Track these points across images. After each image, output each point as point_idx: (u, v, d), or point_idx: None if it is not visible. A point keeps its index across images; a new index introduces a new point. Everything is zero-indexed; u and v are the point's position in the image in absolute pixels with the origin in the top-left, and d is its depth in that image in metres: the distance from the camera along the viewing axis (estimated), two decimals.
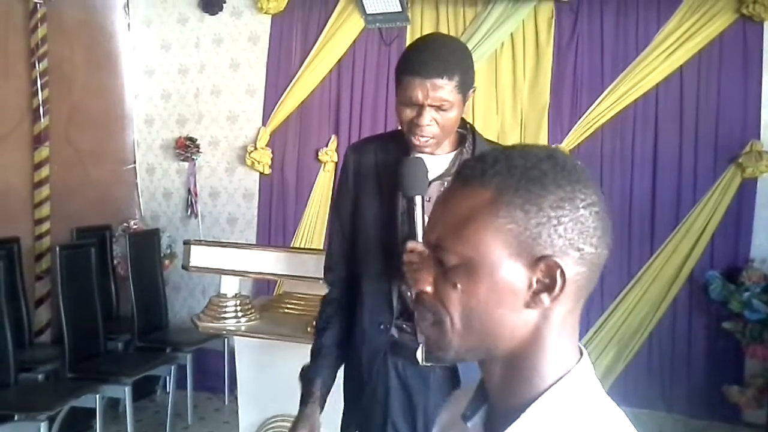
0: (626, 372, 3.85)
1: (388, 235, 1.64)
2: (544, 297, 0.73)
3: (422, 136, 1.58)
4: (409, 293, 1.62)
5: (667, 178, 3.80)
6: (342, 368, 1.81)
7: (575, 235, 0.73)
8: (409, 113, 1.58)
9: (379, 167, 1.68)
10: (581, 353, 0.78)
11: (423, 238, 0.88)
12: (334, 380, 1.76)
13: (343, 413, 1.83)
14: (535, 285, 0.73)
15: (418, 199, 1.56)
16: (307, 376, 1.76)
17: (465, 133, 1.69)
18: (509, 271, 0.73)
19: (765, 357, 3.50)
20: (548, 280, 0.73)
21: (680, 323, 3.82)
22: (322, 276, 1.84)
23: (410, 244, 1.53)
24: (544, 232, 0.72)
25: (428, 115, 1.55)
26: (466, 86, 1.56)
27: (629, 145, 3.87)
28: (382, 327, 1.67)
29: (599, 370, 3.80)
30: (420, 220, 1.56)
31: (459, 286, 0.75)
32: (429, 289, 0.79)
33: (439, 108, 1.54)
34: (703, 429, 3.64)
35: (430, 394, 1.65)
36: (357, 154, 1.76)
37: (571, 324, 0.77)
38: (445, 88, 1.52)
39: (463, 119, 1.72)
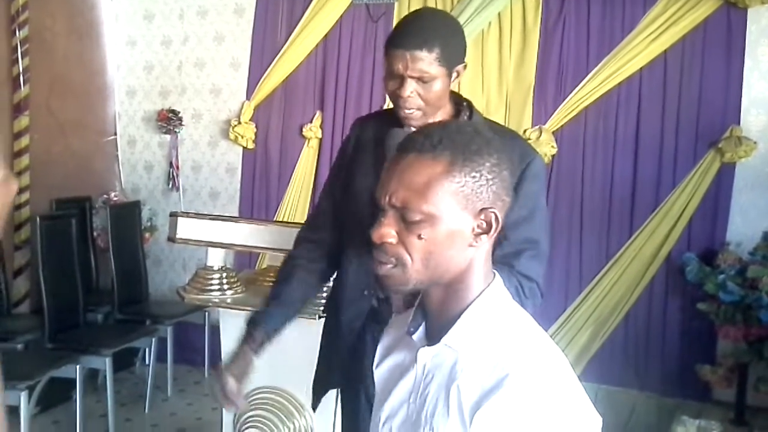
0: (602, 351, 3.92)
1: (376, 206, 1.66)
2: (484, 237, 0.99)
3: (406, 108, 1.60)
4: None
5: (648, 161, 3.84)
6: (320, 333, 1.86)
7: (501, 190, 0.99)
8: (392, 85, 1.61)
9: (377, 140, 1.70)
10: (494, 275, 1.05)
11: (383, 201, 1.00)
12: (279, 332, 1.74)
13: (317, 373, 1.88)
14: (477, 229, 0.99)
15: None
16: (254, 319, 1.75)
17: (462, 109, 1.70)
18: (460, 222, 0.98)
19: (737, 337, 3.57)
20: (485, 224, 0.99)
21: (656, 304, 3.89)
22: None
23: None
24: (484, 190, 0.97)
25: (409, 87, 1.57)
26: (449, 59, 1.57)
27: (612, 127, 3.90)
28: (366, 293, 1.72)
29: (576, 349, 3.89)
30: None
31: (423, 236, 0.97)
32: (393, 241, 1.00)
33: (420, 79, 1.56)
34: (675, 407, 3.72)
35: None
36: (359, 128, 1.80)
37: (490, 254, 1.04)
38: (424, 60, 1.54)
39: (461, 96, 1.74)
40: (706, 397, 3.79)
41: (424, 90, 1.57)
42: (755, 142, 3.65)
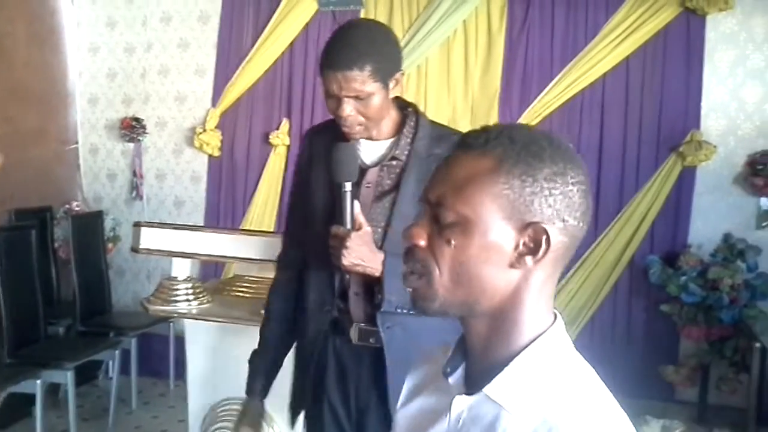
0: None
1: (332, 219, 1.64)
2: (528, 259, 0.81)
3: (347, 127, 1.59)
4: (345, 276, 1.64)
5: (612, 166, 3.90)
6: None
7: (562, 207, 0.81)
8: (331, 104, 1.60)
9: (327, 152, 1.66)
10: (555, 317, 0.86)
11: (421, 198, 0.90)
12: (278, 370, 1.83)
13: (293, 392, 1.85)
14: (521, 247, 0.81)
15: (347, 185, 1.56)
16: (253, 364, 1.83)
17: (408, 114, 1.69)
18: (500, 233, 0.81)
19: (699, 338, 3.65)
20: (533, 244, 0.80)
21: (620, 306, 3.94)
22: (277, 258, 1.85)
23: (333, 228, 1.56)
24: (536, 200, 0.80)
25: (347, 107, 1.56)
26: (383, 73, 1.55)
27: (576, 133, 3.95)
28: (325, 308, 1.70)
29: None
30: (348, 206, 1.56)
31: (453, 242, 0.82)
32: (423, 243, 0.85)
33: (357, 98, 1.55)
34: (639, 408, 3.75)
35: (362, 371, 1.69)
36: (311, 139, 1.78)
37: (549, 289, 0.84)
38: (357, 79, 1.52)
39: (405, 102, 1.73)
40: (669, 397, 3.86)
41: (363, 107, 1.56)
42: (715, 146, 3.73)
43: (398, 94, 1.67)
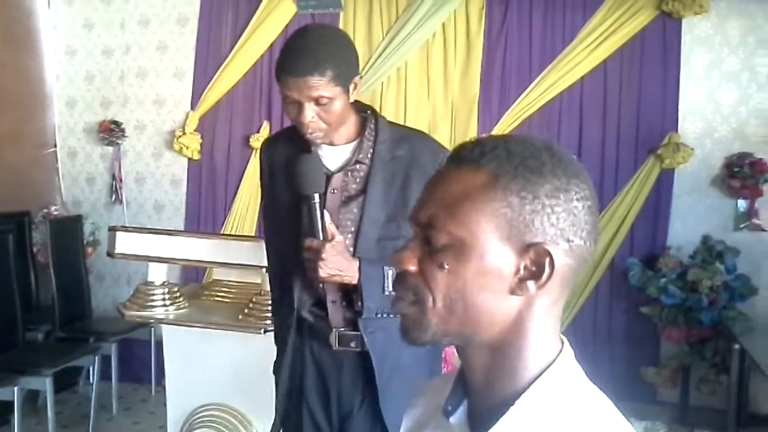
0: None
1: (296, 229, 1.65)
2: (530, 284, 0.73)
3: (309, 133, 1.59)
4: (321, 285, 1.64)
5: (591, 169, 3.90)
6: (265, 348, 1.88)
7: (567, 226, 0.73)
8: (291, 111, 1.59)
9: (289, 161, 1.67)
10: (562, 342, 0.78)
11: (412, 218, 0.81)
12: None
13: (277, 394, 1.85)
14: (522, 271, 0.73)
15: (315, 196, 1.57)
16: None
17: (367, 117, 1.69)
18: (498, 255, 0.73)
19: (679, 339, 3.67)
20: (535, 267, 0.72)
21: (601, 308, 3.96)
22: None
23: (307, 242, 1.57)
24: (537, 219, 0.72)
25: (308, 112, 1.56)
26: (343, 77, 1.56)
27: (555, 135, 3.96)
28: (289, 319, 1.72)
29: None
30: (318, 217, 1.57)
31: (446, 266, 0.74)
32: (413, 268, 0.77)
33: (317, 103, 1.55)
34: (621, 410, 3.73)
35: (342, 376, 1.70)
36: (269, 150, 1.79)
37: (554, 315, 0.77)
38: (318, 85, 1.52)
39: (363, 105, 1.73)
40: (651, 399, 3.88)
41: (324, 112, 1.56)
42: (692, 149, 3.76)
43: (356, 98, 1.67)
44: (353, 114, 1.67)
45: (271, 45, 4.33)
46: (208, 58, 4.44)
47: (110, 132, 4.61)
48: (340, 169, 1.66)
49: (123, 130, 4.63)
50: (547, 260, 0.72)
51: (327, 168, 1.65)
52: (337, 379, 1.70)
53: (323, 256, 1.53)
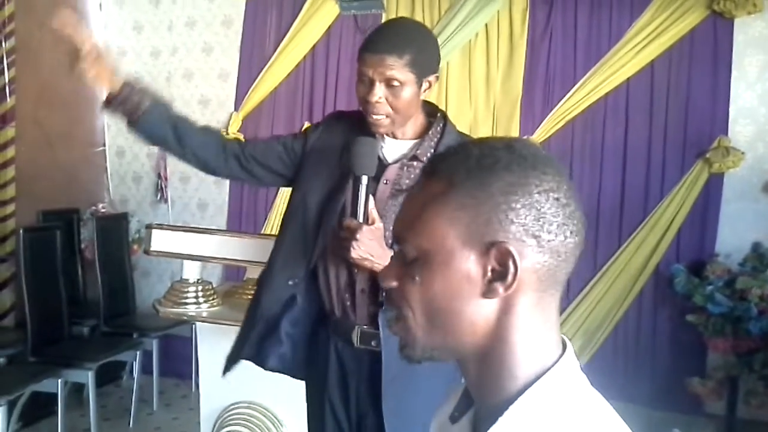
0: (591, 364, 3.87)
1: (327, 208, 1.66)
2: (498, 286, 0.70)
3: (375, 114, 1.60)
4: (354, 270, 1.64)
5: (636, 172, 3.82)
6: None
7: (530, 221, 0.70)
8: (362, 89, 1.61)
9: (346, 143, 1.68)
10: (564, 348, 0.75)
11: (393, 235, 0.86)
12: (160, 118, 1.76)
13: (239, 335, 1.85)
14: (489, 273, 0.71)
15: (363, 178, 1.57)
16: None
17: (435, 120, 1.68)
18: (463, 260, 0.71)
19: (726, 350, 3.54)
20: (501, 267, 0.70)
21: (645, 316, 3.85)
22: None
23: (346, 221, 1.57)
24: (495, 217, 0.70)
25: (378, 92, 1.56)
26: (420, 67, 1.56)
27: (599, 138, 3.88)
28: (290, 282, 1.71)
29: None
30: (363, 199, 1.57)
31: (417, 278, 0.73)
32: (394, 284, 0.77)
33: (389, 84, 1.55)
34: (665, 420, 3.68)
35: (362, 375, 1.69)
36: (332, 123, 1.79)
37: (542, 317, 0.73)
38: (394, 65, 1.54)
39: (436, 108, 1.73)
40: (696, 411, 3.74)
41: (392, 96, 1.57)
42: (743, 153, 3.62)
43: (428, 98, 1.68)
44: (421, 113, 1.68)
45: (314, 46, 4.35)
46: (252, 60, 4.49)
47: None
48: (396, 161, 1.66)
49: None
50: (510, 259, 0.70)
51: (384, 157, 1.66)
52: (357, 377, 1.70)
53: (358, 237, 1.53)
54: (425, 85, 1.61)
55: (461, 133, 1.74)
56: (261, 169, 1.79)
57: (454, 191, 0.72)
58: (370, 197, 1.58)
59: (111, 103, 1.70)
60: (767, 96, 3.64)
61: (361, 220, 1.56)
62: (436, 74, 1.64)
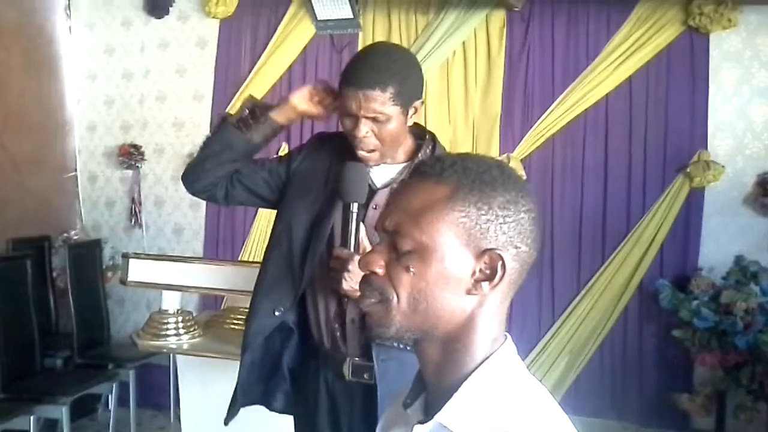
0: (578, 381, 3.84)
1: (314, 235, 1.60)
2: (485, 285, 0.83)
3: (362, 149, 1.56)
4: (345, 299, 1.57)
5: (617, 188, 3.81)
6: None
7: (515, 234, 0.84)
8: (347, 124, 1.56)
9: (331, 167, 1.64)
10: (506, 337, 0.88)
11: (379, 226, 0.90)
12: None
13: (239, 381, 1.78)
14: (477, 274, 0.83)
15: (354, 206, 1.52)
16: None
17: (422, 143, 1.64)
18: (458, 259, 0.83)
19: (713, 365, 3.52)
20: (489, 270, 0.83)
21: (631, 332, 3.82)
22: None
23: (337, 250, 1.51)
24: (491, 228, 0.83)
25: (364, 127, 1.52)
26: (404, 97, 1.52)
27: (580, 154, 3.87)
28: (276, 313, 1.65)
29: (552, 380, 3.80)
30: (354, 227, 1.52)
31: (412, 269, 0.83)
32: (380, 271, 0.86)
33: (375, 120, 1.51)
34: None
35: (354, 409, 1.63)
36: (316, 146, 1.74)
37: (501, 313, 0.87)
38: (378, 100, 1.49)
39: (423, 129, 1.69)
40: (685, 426, 3.72)
41: (379, 129, 1.53)
42: (723, 167, 3.63)
43: (416, 122, 1.64)
44: (409, 137, 1.63)
45: (290, 67, 4.30)
46: (227, 81, 4.42)
47: (130, 156, 4.60)
48: (386, 186, 1.61)
49: (142, 154, 4.62)
50: (500, 264, 0.83)
51: (373, 183, 1.60)
52: (349, 411, 1.64)
53: (350, 268, 1.47)
54: (411, 111, 1.57)
55: (450, 154, 1.70)
56: (246, 194, 1.73)
57: (461, 200, 0.83)
58: (361, 225, 1.53)
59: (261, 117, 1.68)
60: (744, 110, 3.66)
61: (352, 249, 1.50)
62: (421, 99, 1.60)
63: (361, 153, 1.56)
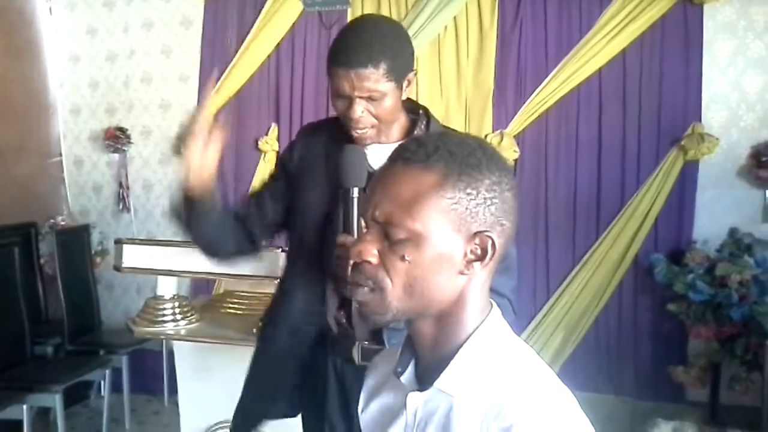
0: (574, 356, 3.85)
1: (328, 225, 1.56)
2: (476, 265, 0.87)
3: (358, 129, 1.50)
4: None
5: (612, 162, 3.79)
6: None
7: (501, 213, 0.87)
8: (340, 105, 1.50)
9: (329, 154, 1.58)
10: (492, 306, 0.93)
11: (366, 215, 0.90)
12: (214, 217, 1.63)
13: (246, 402, 1.76)
14: (469, 255, 0.87)
15: (354, 190, 1.47)
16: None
17: (416, 118, 1.59)
18: (450, 244, 0.86)
19: (708, 337, 3.53)
20: (480, 251, 0.87)
21: (626, 306, 3.83)
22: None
23: (341, 237, 1.46)
24: (480, 211, 0.86)
25: (359, 107, 1.46)
26: (398, 72, 1.46)
27: (573, 129, 3.84)
28: (311, 321, 1.63)
29: (548, 355, 3.80)
30: (355, 213, 1.47)
31: (407, 258, 0.85)
32: (374, 260, 0.88)
33: (369, 98, 1.45)
34: (650, 410, 3.66)
35: None
36: (308, 137, 1.68)
37: (487, 285, 0.92)
38: (371, 78, 1.43)
39: (416, 104, 1.64)
40: (680, 399, 3.75)
41: (375, 108, 1.47)
42: (717, 139, 3.62)
43: (408, 97, 1.58)
44: (403, 112, 1.57)
45: (278, 45, 4.22)
46: (214, 61, 4.32)
47: (116, 139, 4.51)
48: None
49: (129, 137, 4.53)
50: (490, 243, 0.86)
51: (371, 165, 1.54)
52: (359, 395, 1.60)
53: None
54: (405, 84, 1.51)
55: (446, 127, 1.66)
56: (273, 229, 1.74)
57: (450, 186, 0.85)
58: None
59: (191, 203, 1.57)
60: (739, 81, 3.64)
61: (355, 235, 1.46)
62: (414, 71, 1.55)
63: (357, 132, 1.51)
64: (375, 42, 1.44)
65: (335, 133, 1.58)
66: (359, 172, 1.49)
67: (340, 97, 1.48)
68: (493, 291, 1.42)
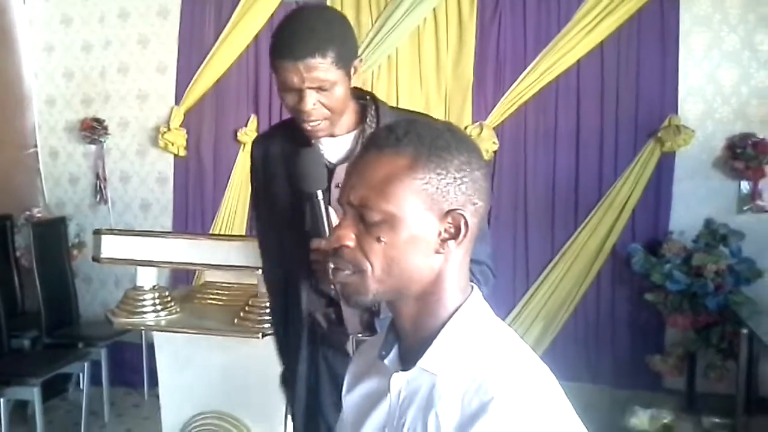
0: (553, 345, 3.88)
1: (298, 229, 1.53)
2: (451, 243, 0.90)
3: (311, 122, 1.46)
4: (333, 287, 1.52)
5: (590, 153, 3.82)
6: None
7: (472, 192, 0.90)
8: (290, 99, 1.45)
9: (286, 157, 1.55)
10: (473, 288, 0.96)
11: (342, 200, 0.93)
12: None
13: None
14: (443, 234, 0.89)
15: (319, 193, 1.45)
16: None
17: (366, 104, 1.57)
18: (424, 224, 0.88)
19: (685, 326, 3.59)
20: (454, 229, 0.89)
21: (604, 296, 3.87)
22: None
23: (314, 243, 1.44)
24: (451, 190, 0.88)
25: (310, 99, 1.42)
26: (345, 59, 1.43)
27: (552, 121, 3.86)
28: (312, 317, 1.62)
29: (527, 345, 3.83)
30: (324, 215, 1.44)
31: (383, 239, 0.88)
32: (351, 243, 0.91)
33: (319, 89, 1.42)
34: (628, 398, 3.71)
35: None
36: (262, 147, 1.65)
37: (465, 265, 0.94)
38: (320, 67, 1.39)
39: (362, 91, 1.61)
40: (657, 387, 3.80)
41: (326, 98, 1.43)
42: (693, 131, 3.67)
43: (356, 84, 1.55)
44: (353, 101, 1.55)
45: (257, 35, 4.18)
46: (192, 51, 4.29)
47: (92, 130, 4.46)
48: (343, 161, 1.53)
49: (105, 128, 4.48)
50: (462, 221, 0.89)
51: (328, 161, 1.53)
52: None
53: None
54: (352, 71, 1.48)
55: (393, 108, 1.65)
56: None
57: (420, 167, 0.87)
58: (331, 209, 1.45)
59: None
60: (714, 74, 3.69)
61: (326, 236, 1.43)
62: (359, 58, 1.52)
63: (310, 125, 1.47)
64: (320, 30, 1.40)
65: (288, 136, 1.56)
66: (318, 174, 1.46)
67: (288, 90, 1.43)
68: (471, 260, 1.45)
